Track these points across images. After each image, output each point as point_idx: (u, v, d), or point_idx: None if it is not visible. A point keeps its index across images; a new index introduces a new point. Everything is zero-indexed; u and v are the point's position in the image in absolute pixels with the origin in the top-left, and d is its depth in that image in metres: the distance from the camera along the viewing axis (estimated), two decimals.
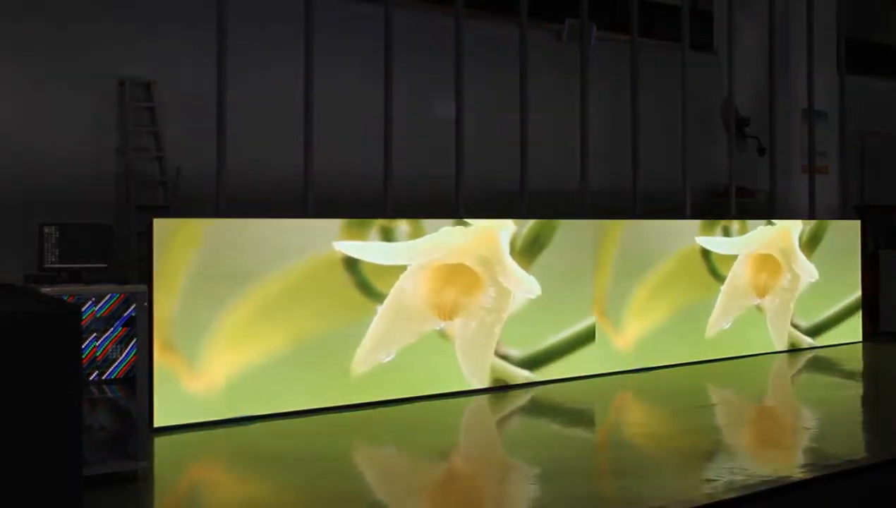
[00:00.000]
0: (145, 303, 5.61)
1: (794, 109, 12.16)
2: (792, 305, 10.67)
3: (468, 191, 8.60)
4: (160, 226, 6.79)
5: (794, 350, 10.67)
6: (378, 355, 7.62)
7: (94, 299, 5.44)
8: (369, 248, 7.63)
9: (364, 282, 7.58)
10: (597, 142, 9.73)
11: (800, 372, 9.88)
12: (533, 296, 8.53)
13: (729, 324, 10.03)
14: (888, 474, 5.85)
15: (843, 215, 12.04)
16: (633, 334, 9.25)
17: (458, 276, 8.08)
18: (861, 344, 11.34)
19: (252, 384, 7.02)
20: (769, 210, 11.17)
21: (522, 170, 8.98)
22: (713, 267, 9.93)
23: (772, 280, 10.49)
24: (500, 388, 8.27)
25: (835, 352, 10.77)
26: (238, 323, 6.99)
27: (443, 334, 7.97)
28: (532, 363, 8.51)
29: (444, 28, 9.03)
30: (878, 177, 15.00)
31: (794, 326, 10.71)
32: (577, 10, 9.70)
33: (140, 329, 5.55)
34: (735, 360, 9.99)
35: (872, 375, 10.16)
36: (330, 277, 7.44)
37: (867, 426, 7.49)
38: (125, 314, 5.52)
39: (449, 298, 8.01)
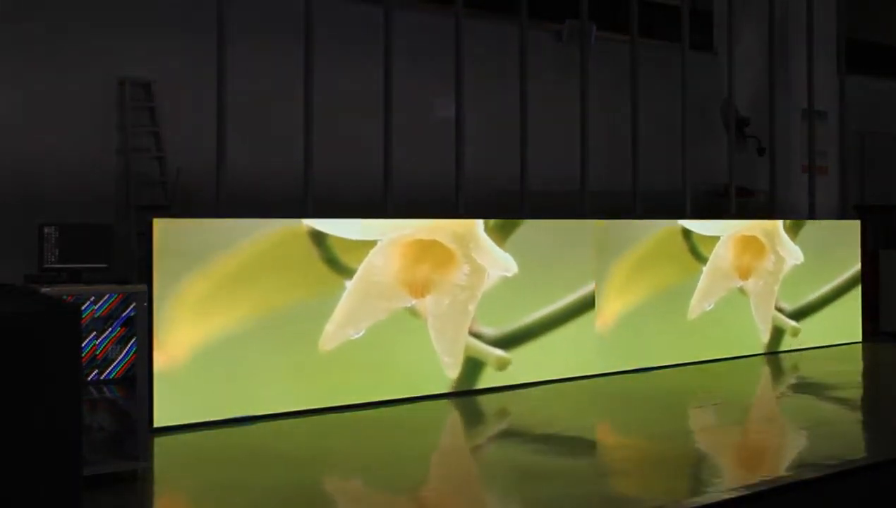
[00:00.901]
0: (145, 303, 5.61)
1: (794, 109, 12.16)
2: (776, 288, 10.61)
3: (468, 191, 8.59)
4: (160, 226, 6.79)
5: (792, 350, 10.66)
6: (347, 331, 7.53)
7: (93, 298, 5.44)
8: (338, 223, 7.55)
9: (332, 258, 7.48)
10: (596, 143, 9.73)
11: (798, 372, 9.87)
12: (509, 275, 8.41)
13: (711, 306, 9.96)
14: (888, 474, 5.85)
15: (843, 215, 12.04)
16: (613, 314, 9.14)
17: (430, 253, 7.97)
18: (861, 345, 11.34)
19: (217, 359, 6.93)
20: (769, 210, 11.17)
21: (522, 171, 8.98)
22: (694, 247, 9.83)
23: (755, 262, 10.42)
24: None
25: (834, 352, 10.77)
26: (204, 298, 6.90)
27: (414, 311, 7.88)
28: (510, 340, 8.43)
29: (444, 28, 9.03)
30: (878, 177, 15.00)
31: (779, 310, 10.64)
32: (577, 10, 9.70)
33: (140, 329, 5.55)
34: (732, 361, 10.00)
35: (872, 375, 10.16)
36: (297, 252, 7.34)
37: (866, 426, 7.48)
38: (124, 314, 5.52)
39: (421, 275, 7.91)
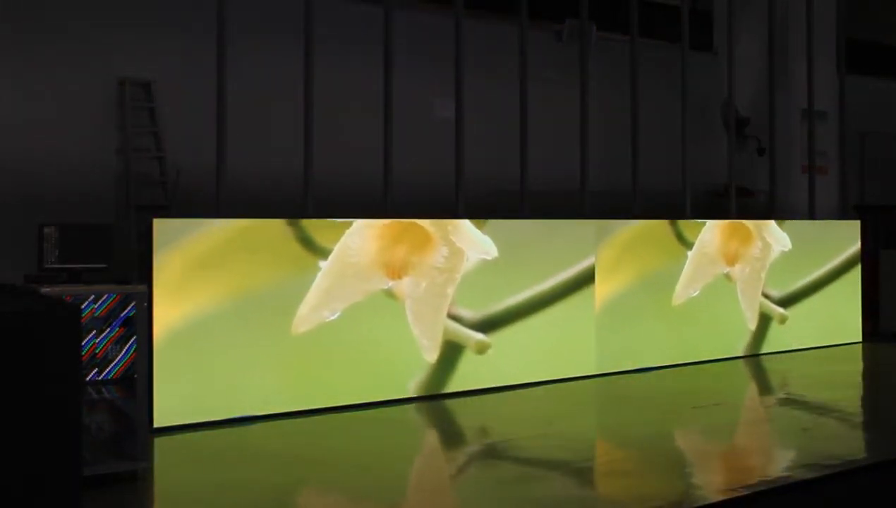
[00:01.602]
0: (145, 304, 5.61)
1: (794, 109, 12.16)
2: (763, 274, 10.54)
3: (468, 191, 8.60)
4: (160, 226, 6.79)
5: (792, 350, 10.65)
6: (322, 313, 7.45)
7: (93, 298, 5.45)
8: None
9: (306, 238, 7.40)
10: (596, 143, 9.73)
11: (798, 372, 9.86)
12: (489, 258, 8.35)
13: (697, 292, 9.88)
14: (888, 474, 5.85)
15: (843, 215, 12.04)
16: (599, 301, 9.11)
17: (408, 234, 7.91)
18: (861, 345, 11.34)
19: (191, 341, 6.86)
20: (769, 210, 11.17)
21: (522, 171, 8.98)
22: (680, 233, 9.77)
23: (742, 248, 10.35)
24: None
25: (834, 352, 10.76)
26: (178, 279, 6.83)
27: (390, 293, 7.79)
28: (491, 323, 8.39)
29: (444, 28, 9.03)
30: (878, 177, 15.01)
31: (766, 296, 10.56)
32: (577, 10, 9.70)
33: (140, 329, 5.55)
34: (730, 361, 10.00)
35: (872, 375, 10.16)
36: (271, 232, 7.29)
37: (866, 426, 7.48)
38: (123, 314, 5.52)
39: (398, 257, 7.83)
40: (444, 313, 8.07)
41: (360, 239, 7.64)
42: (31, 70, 8.36)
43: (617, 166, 10.07)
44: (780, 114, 11.35)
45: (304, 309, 7.35)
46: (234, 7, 7.80)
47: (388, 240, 7.79)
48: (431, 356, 7.99)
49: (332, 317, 7.49)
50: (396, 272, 7.80)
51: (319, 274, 7.42)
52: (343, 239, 7.55)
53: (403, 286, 7.83)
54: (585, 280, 8.95)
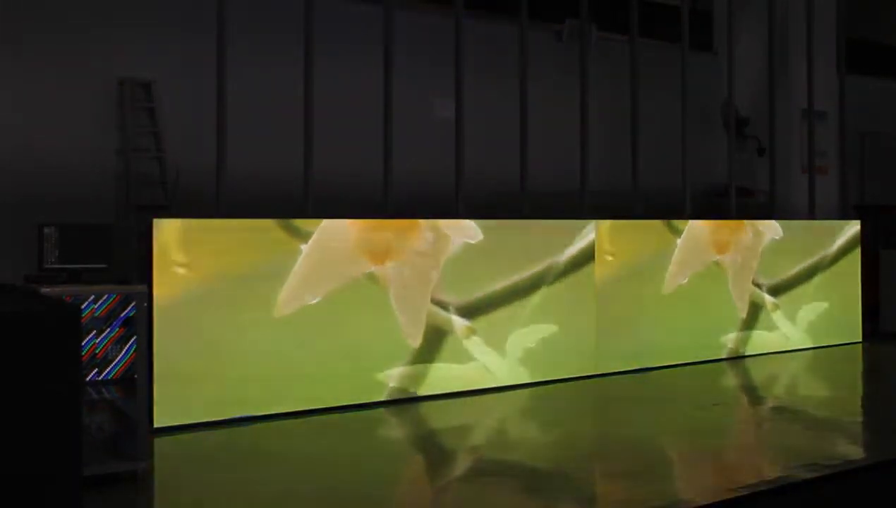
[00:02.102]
0: (145, 304, 5.61)
1: (794, 109, 12.16)
2: (755, 263, 10.50)
3: (468, 191, 8.59)
4: (160, 226, 6.79)
5: (792, 350, 10.65)
6: (303, 297, 7.40)
7: (93, 298, 5.45)
8: None
9: (287, 223, 7.37)
10: (596, 143, 9.73)
11: (798, 372, 9.87)
12: (473, 242, 8.30)
13: (686, 280, 9.81)
14: (888, 474, 5.86)
15: (843, 215, 12.04)
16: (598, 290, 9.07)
17: (392, 219, 7.89)
18: (861, 345, 11.34)
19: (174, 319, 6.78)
20: (769, 210, 11.17)
21: (522, 171, 8.98)
22: (674, 225, 9.75)
23: (733, 236, 10.33)
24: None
25: (834, 352, 10.76)
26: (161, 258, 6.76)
27: (373, 278, 7.74)
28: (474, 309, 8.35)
29: (444, 28, 9.03)
30: (878, 177, 15.01)
31: (756, 285, 10.50)
32: (577, 10, 9.70)
33: (140, 329, 5.55)
34: (729, 361, 10.01)
35: (872, 375, 10.16)
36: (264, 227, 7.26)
37: (866, 426, 7.48)
38: (122, 314, 5.52)
39: (381, 241, 7.79)
40: (428, 298, 8.04)
41: (342, 223, 7.61)
42: (31, 70, 8.36)
43: (617, 166, 10.07)
44: (780, 114, 11.35)
45: (285, 292, 7.30)
46: (234, 7, 7.80)
47: (371, 225, 7.75)
48: (415, 341, 7.93)
49: (315, 301, 7.44)
50: (379, 257, 7.77)
51: (301, 258, 7.36)
52: (325, 222, 7.51)
53: (387, 271, 7.78)
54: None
